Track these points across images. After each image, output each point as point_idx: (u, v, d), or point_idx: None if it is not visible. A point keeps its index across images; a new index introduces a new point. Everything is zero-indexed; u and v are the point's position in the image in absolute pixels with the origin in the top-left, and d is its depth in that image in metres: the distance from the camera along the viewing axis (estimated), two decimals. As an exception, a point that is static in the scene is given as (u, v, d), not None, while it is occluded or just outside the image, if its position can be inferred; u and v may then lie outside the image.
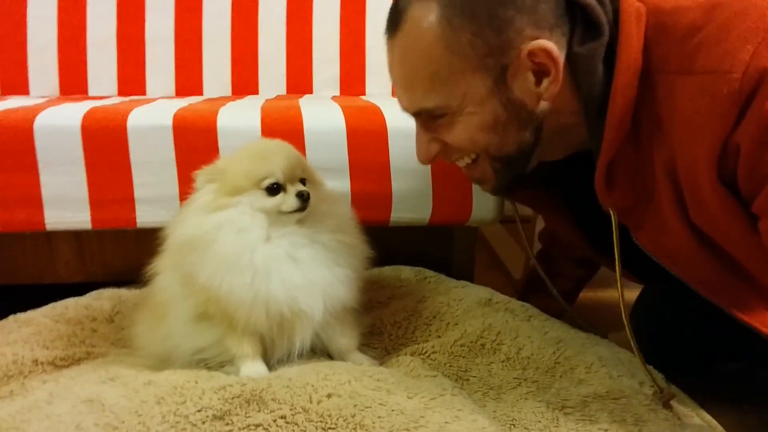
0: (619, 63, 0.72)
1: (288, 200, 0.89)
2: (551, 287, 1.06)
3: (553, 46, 0.74)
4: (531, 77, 0.76)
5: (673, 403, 0.86)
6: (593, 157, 0.79)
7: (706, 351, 1.11)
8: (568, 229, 1.03)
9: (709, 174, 0.68)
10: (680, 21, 0.71)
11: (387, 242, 1.28)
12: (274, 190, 0.89)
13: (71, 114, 1.13)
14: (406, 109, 0.86)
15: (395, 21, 0.80)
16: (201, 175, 0.92)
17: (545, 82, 0.77)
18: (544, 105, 0.78)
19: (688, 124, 0.69)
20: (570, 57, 0.76)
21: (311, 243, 0.91)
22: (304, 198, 0.88)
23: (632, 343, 0.87)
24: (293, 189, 0.89)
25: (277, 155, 0.91)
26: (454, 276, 1.25)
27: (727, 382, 1.11)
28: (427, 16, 0.76)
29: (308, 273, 0.89)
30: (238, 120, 1.17)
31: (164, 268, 0.94)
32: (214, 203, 0.89)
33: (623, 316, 0.86)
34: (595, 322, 1.09)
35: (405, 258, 1.30)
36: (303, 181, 0.92)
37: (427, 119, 0.84)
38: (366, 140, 1.17)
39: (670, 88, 0.70)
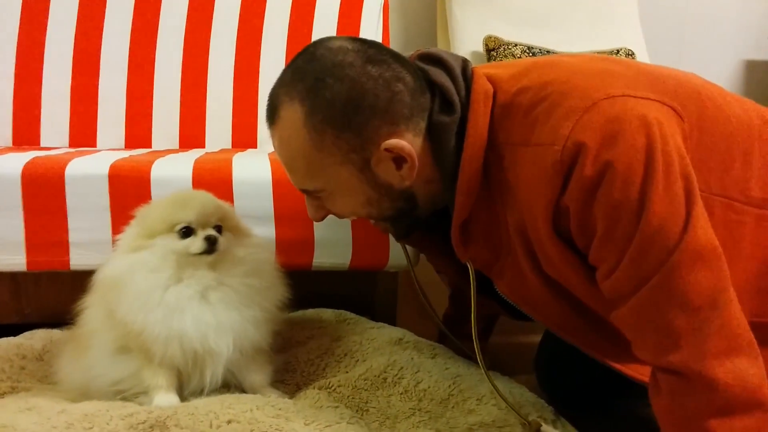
0: (467, 137, 0.83)
1: (196, 243, 0.96)
2: (447, 332, 1.15)
3: (405, 144, 0.83)
4: (392, 164, 0.86)
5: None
6: (450, 216, 0.90)
7: (602, 388, 1.20)
8: (449, 269, 1.12)
9: (546, 230, 0.79)
10: (522, 101, 0.82)
11: (315, 286, 1.37)
12: (185, 233, 0.97)
13: (13, 163, 1.21)
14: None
15: (271, 115, 0.88)
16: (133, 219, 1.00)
17: (405, 168, 0.86)
18: (408, 182, 0.88)
19: (528, 188, 0.80)
20: (430, 125, 0.86)
21: (221, 285, 0.98)
22: (211, 241, 0.95)
23: (488, 378, 0.96)
24: (203, 233, 0.96)
25: (192, 202, 0.99)
26: (378, 319, 1.32)
27: (616, 418, 1.19)
28: (294, 120, 0.84)
29: (218, 313, 0.96)
30: (171, 171, 1.25)
31: (92, 303, 1.01)
32: (133, 244, 0.97)
33: (477, 353, 0.95)
34: (509, 365, 1.17)
35: (332, 301, 1.37)
36: (218, 228, 0.99)
37: (310, 194, 0.93)
38: (290, 190, 1.25)
39: (514, 158, 0.82)
